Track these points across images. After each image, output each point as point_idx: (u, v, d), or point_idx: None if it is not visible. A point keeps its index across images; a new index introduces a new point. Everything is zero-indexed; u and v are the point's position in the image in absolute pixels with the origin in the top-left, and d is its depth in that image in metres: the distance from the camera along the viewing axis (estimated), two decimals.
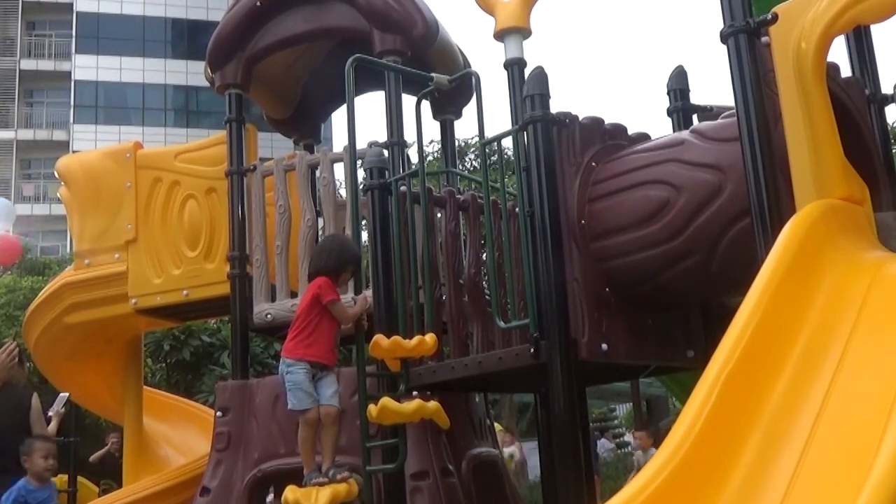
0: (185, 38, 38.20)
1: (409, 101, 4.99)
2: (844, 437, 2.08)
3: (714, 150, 3.59)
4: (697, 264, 3.61)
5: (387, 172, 4.39)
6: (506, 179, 4.46)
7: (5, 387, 5.45)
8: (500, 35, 4.22)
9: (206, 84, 6.08)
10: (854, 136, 3.33)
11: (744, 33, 3.06)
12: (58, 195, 6.91)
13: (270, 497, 6.10)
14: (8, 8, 38.33)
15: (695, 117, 4.41)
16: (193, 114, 37.49)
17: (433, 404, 3.85)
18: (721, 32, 3.12)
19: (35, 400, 5.51)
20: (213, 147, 5.90)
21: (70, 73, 37.19)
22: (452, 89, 4.85)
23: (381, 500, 4.20)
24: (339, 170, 5.41)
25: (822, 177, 2.94)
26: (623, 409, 25.33)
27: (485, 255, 4.31)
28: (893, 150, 3.80)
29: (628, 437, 20.00)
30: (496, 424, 7.91)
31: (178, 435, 7.50)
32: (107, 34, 37.40)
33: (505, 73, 4.18)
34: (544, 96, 3.78)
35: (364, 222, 4.76)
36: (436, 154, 16.81)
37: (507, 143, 4.28)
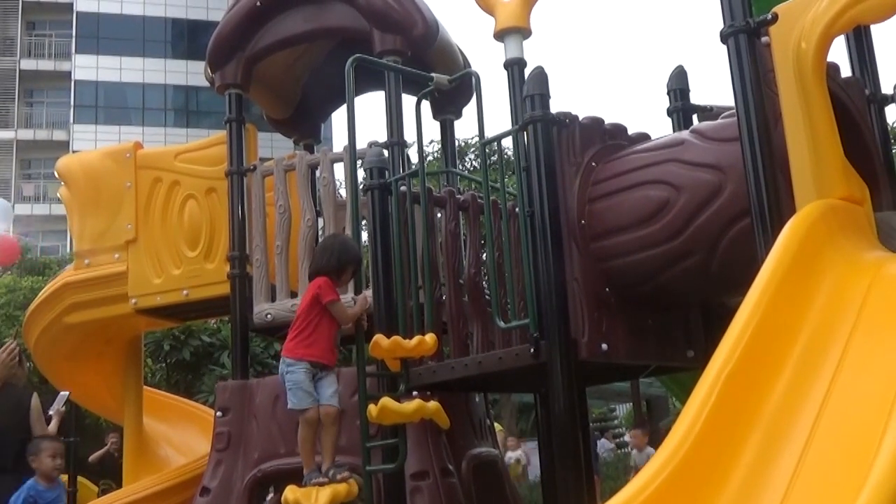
0: (185, 38, 38.20)
1: (409, 101, 4.99)
2: (844, 437, 2.08)
3: (714, 150, 3.59)
4: (697, 264, 3.61)
5: (387, 172, 4.39)
6: (506, 179, 4.46)
7: (5, 386, 5.45)
8: (500, 35, 4.22)
9: (206, 84, 6.08)
10: (854, 136, 3.33)
11: (744, 33, 3.06)
12: (58, 195, 6.91)
13: (270, 496, 6.10)
14: (8, 8, 38.33)
15: (695, 117, 4.41)
16: (193, 114, 37.49)
17: (433, 404, 3.85)
18: (721, 32, 3.12)
19: (35, 400, 5.50)
20: (213, 147, 5.90)
21: (70, 73, 37.19)
22: (452, 89, 4.85)
23: (381, 500, 4.20)
24: (339, 170, 5.42)
25: (822, 177, 2.94)
26: (623, 409, 25.33)
27: (485, 255, 4.31)
28: (893, 150, 3.80)
29: (628, 437, 19.99)
30: (496, 424, 7.91)
31: (178, 435, 7.50)
32: (107, 34, 37.40)
33: (505, 73, 4.18)
34: (544, 96, 3.78)
35: (364, 222, 4.76)
36: (436, 154, 16.81)
37: (507, 143, 4.28)
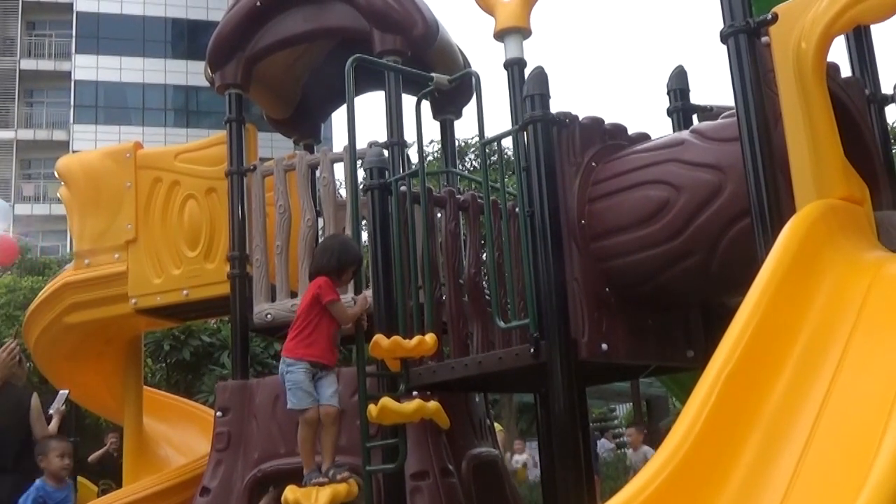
0: (185, 38, 38.20)
1: (409, 101, 4.99)
2: (844, 437, 2.08)
3: (714, 150, 3.59)
4: (697, 264, 3.61)
5: (387, 172, 4.39)
6: (506, 179, 4.46)
7: (5, 386, 5.45)
8: (500, 35, 4.22)
9: (206, 84, 6.08)
10: (854, 136, 3.33)
11: (744, 33, 3.06)
12: (58, 195, 6.91)
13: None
14: (8, 8, 38.33)
15: (695, 117, 4.41)
16: (193, 114, 37.50)
17: (433, 404, 3.85)
18: (721, 32, 3.12)
19: (35, 400, 5.50)
20: (213, 147, 5.90)
21: (70, 73, 37.19)
22: (452, 89, 4.85)
23: (381, 500, 4.20)
24: (339, 170, 5.42)
25: (822, 177, 2.94)
26: (623, 409, 25.31)
27: (485, 255, 4.31)
28: (893, 150, 3.80)
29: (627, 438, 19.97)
30: (496, 424, 7.90)
31: (178, 435, 7.50)
32: (107, 34, 37.40)
33: (505, 73, 4.18)
34: (544, 96, 3.78)
35: (364, 222, 4.76)
36: (436, 154, 16.80)
37: (507, 143, 4.28)
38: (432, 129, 23.96)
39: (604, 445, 16.28)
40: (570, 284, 3.66)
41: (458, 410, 4.75)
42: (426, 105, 5.45)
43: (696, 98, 4.47)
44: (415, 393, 4.09)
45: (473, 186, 7.14)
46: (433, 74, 4.53)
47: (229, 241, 5.36)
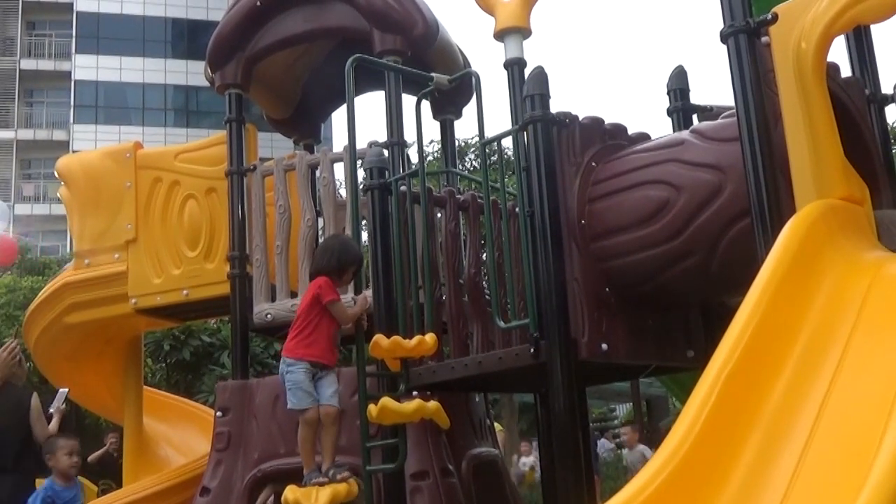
0: (185, 38, 38.20)
1: (409, 101, 4.99)
2: (844, 437, 2.08)
3: (714, 150, 3.59)
4: (697, 264, 3.61)
5: (387, 172, 4.39)
6: (506, 179, 4.46)
7: (5, 386, 5.45)
8: (500, 35, 4.22)
9: (206, 84, 6.08)
10: (854, 136, 3.33)
11: (744, 33, 3.06)
12: (58, 195, 6.91)
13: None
14: (8, 8, 38.33)
15: (695, 117, 4.41)
16: (193, 114, 37.49)
17: (433, 404, 3.85)
18: (721, 32, 3.12)
19: (35, 399, 5.51)
20: (213, 147, 5.90)
21: (70, 73, 37.19)
22: (452, 89, 4.85)
23: (381, 500, 4.20)
24: (339, 170, 5.42)
25: (822, 177, 2.94)
26: (623, 409, 25.32)
27: (485, 255, 4.31)
28: (893, 150, 3.80)
29: None
30: (496, 424, 7.90)
31: (178, 435, 7.50)
32: (107, 34, 37.40)
33: (505, 73, 4.18)
34: (544, 96, 3.78)
35: (364, 222, 4.76)
36: (436, 154, 16.80)
37: (508, 143, 4.28)
38: (432, 129, 23.98)
39: (604, 445, 16.28)
40: (570, 284, 3.66)
41: (458, 410, 4.75)
42: (426, 105, 5.45)
43: (696, 98, 4.48)
44: (415, 393, 4.09)
45: (473, 186, 7.14)
46: (433, 74, 4.53)
47: (229, 241, 5.36)
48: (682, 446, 2.16)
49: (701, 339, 4.03)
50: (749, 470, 2.12)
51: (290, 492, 3.96)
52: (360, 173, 4.61)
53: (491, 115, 4.67)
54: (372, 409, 3.80)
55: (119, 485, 6.94)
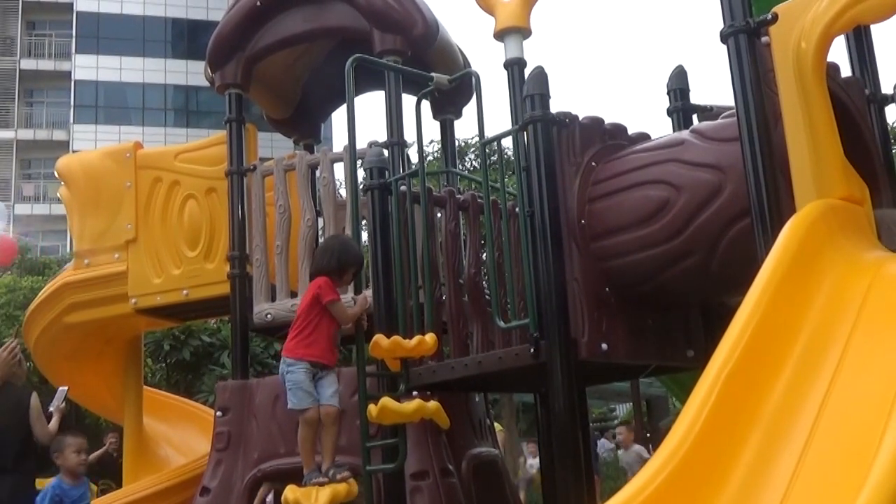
0: (185, 38, 38.19)
1: (409, 101, 4.99)
2: (844, 437, 2.08)
3: (714, 150, 3.60)
4: (697, 264, 3.61)
5: (387, 172, 4.39)
6: (506, 179, 4.46)
7: (5, 386, 5.45)
8: (500, 35, 4.22)
9: (206, 84, 6.08)
10: (854, 136, 3.33)
11: (744, 33, 3.06)
12: (58, 195, 6.91)
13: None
14: (8, 8, 38.32)
15: (695, 117, 4.41)
16: (193, 114, 37.49)
17: (433, 404, 3.85)
18: (721, 32, 3.13)
19: (34, 399, 5.50)
20: (213, 147, 5.91)
21: (70, 72, 37.18)
22: (452, 89, 4.85)
23: (381, 500, 4.20)
24: (339, 170, 5.42)
25: (822, 177, 2.94)
26: (623, 409, 25.32)
27: (485, 255, 4.31)
28: (893, 150, 3.80)
29: None
30: (496, 424, 7.90)
31: (178, 435, 7.50)
32: (107, 34, 37.39)
33: (505, 73, 4.18)
34: (544, 96, 3.78)
35: (364, 222, 4.76)
36: (436, 154, 16.80)
37: (508, 143, 4.28)
38: (432, 129, 23.98)
39: (603, 445, 16.27)
40: (570, 284, 3.66)
41: (458, 410, 4.75)
42: (426, 105, 5.45)
43: (696, 98, 4.48)
44: (415, 393, 4.09)
45: (473, 186, 7.14)
46: (433, 74, 4.53)
47: (229, 241, 5.36)
48: (681, 446, 2.16)
49: (701, 338, 4.03)
50: (749, 470, 2.12)
51: (290, 491, 3.96)
52: (360, 173, 4.61)
53: (491, 115, 4.68)
54: (372, 409, 3.80)
55: (119, 485, 6.95)
